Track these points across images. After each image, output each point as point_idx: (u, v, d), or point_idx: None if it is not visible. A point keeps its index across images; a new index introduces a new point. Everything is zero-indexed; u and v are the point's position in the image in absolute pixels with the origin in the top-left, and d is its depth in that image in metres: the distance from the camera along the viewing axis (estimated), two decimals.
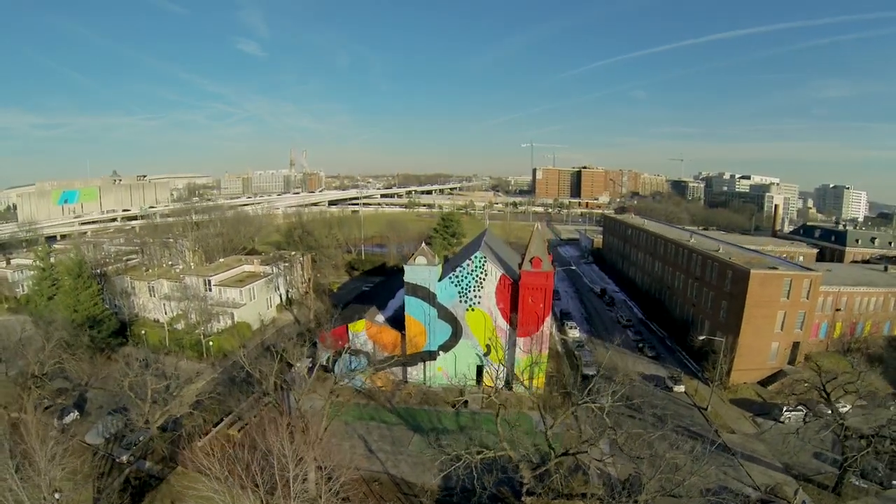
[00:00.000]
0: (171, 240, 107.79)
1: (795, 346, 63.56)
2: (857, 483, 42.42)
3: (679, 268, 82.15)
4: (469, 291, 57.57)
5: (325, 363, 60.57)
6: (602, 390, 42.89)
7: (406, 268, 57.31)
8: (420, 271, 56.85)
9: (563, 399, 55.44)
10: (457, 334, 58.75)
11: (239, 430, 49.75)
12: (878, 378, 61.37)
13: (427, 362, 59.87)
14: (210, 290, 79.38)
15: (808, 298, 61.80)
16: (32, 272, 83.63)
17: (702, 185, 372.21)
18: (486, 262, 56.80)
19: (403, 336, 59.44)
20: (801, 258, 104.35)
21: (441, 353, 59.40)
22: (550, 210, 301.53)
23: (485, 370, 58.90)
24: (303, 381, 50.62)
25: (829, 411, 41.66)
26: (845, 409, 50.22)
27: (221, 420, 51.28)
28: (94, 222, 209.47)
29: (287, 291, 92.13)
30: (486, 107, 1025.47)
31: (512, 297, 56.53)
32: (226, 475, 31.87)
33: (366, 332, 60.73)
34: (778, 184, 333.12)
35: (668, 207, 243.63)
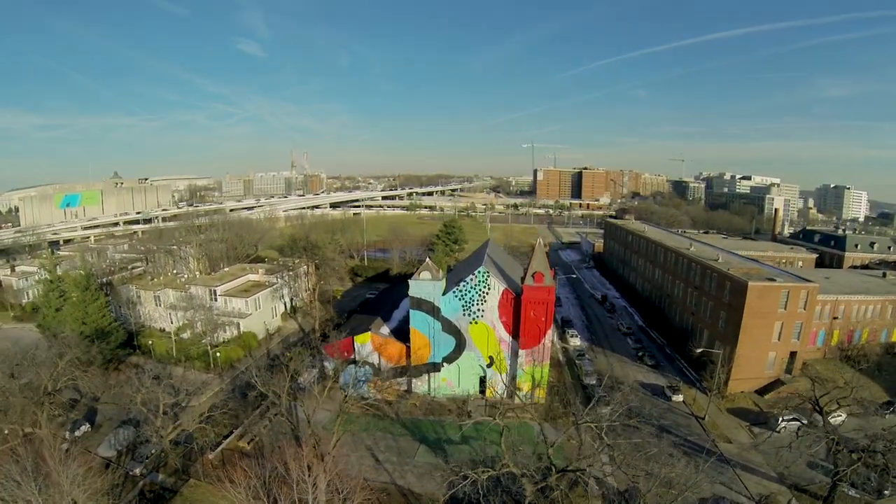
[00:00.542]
0: (175, 247, 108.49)
1: (793, 355, 64.54)
2: (848, 493, 43.50)
3: (679, 276, 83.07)
4: (472, 305, 58.77)
5: (331, 374, 61.74)
6: (602, 405, 44.23)
7: (411, 283, 58.53)
8: (425, 286, 58.10)
9: (565, 408, 56.77)
10: (460, 346, 60.01)
11: (248, 443, 51.03)
12: (873, 385, 62.74)
13: (431, 374, 61.11)
14: (216, 300, 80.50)
15: (804, 309, 62.74)
16: (38, 280, 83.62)
17: (703, 186, 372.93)
18: (489, 276, 57.98)
19: (408, 348, 60.67)
20: (801, 263, 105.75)
21: (445, 364, 60.67)
22: (551, 212, 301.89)
23: (488, 381, 60.38)
24: (311, 394, 51.79)
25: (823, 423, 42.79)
26: (841, 419, 51.49)
27: (231, 433, 52.42)
28: (97, 227, 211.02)
29: (292, 300, 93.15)
30: (487, 106, 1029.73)
31: (514, 310, 57.72)
32: (239, 490, 32.94)
33: (371, 343, 62.00)
34: (778, 185, 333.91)
35: (669, 210, 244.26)
